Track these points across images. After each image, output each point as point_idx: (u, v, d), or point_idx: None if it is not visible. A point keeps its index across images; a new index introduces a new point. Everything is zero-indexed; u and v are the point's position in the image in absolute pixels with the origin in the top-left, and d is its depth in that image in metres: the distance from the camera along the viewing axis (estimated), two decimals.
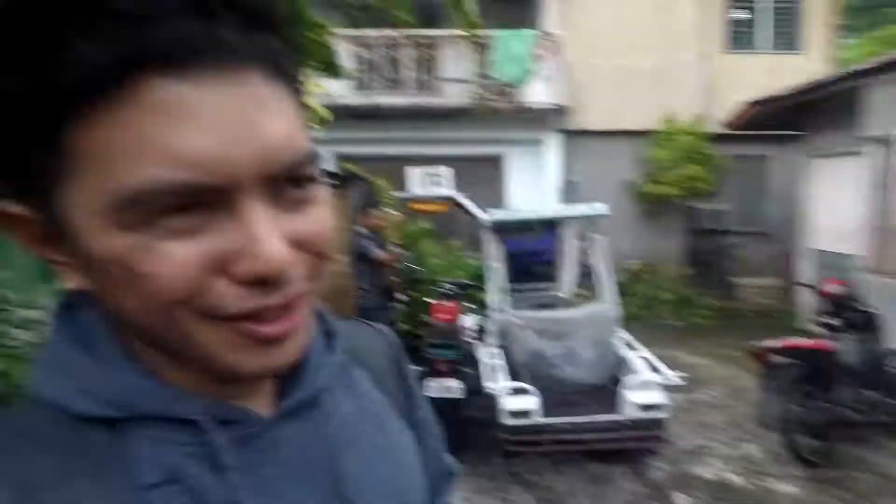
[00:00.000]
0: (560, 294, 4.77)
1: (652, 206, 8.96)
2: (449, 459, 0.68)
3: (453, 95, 8.61)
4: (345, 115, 8.50)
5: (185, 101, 0.30)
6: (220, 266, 0.33)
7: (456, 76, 8.64)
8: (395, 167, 7.93)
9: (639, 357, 3.81)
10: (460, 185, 8.64)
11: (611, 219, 8.74)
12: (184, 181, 0.31)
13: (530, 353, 3.85)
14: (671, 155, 8.48)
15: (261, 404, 0.44)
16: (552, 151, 9.19)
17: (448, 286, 4.68)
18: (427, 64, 8.68)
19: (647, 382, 3.44)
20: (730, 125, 8.22)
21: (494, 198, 8.91)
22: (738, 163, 9.02)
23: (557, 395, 3.66)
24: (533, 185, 9.01)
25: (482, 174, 9.12)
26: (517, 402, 3.35)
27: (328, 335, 0.50)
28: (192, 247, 0.32)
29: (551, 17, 9.22)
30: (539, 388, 3.44)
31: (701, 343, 6.87)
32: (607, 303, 4.20)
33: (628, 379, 3.52)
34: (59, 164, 0.31)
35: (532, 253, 4.79)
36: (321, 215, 0.37)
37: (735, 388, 5.14)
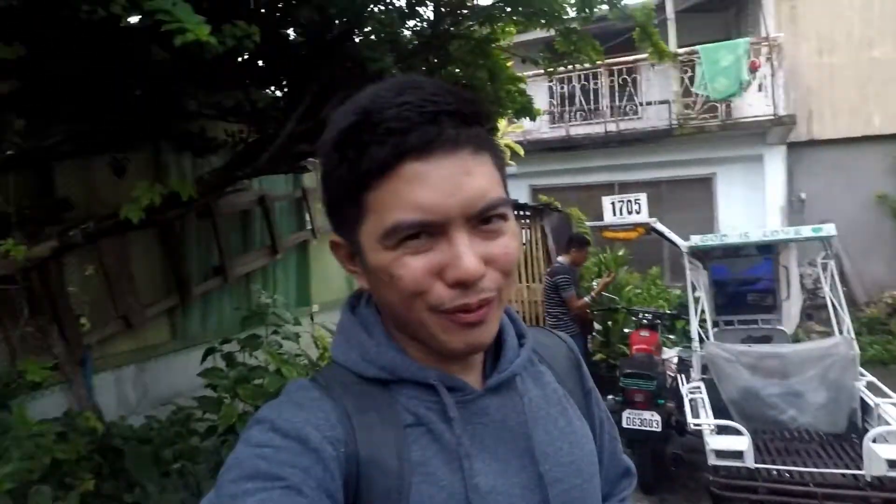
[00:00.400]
0: (780, 327, 4.22)
1: None
2: (627, 460, 0.79)
3: (652, 118, 8.31)
4: (541, 149, 8.96)
5: (423, 172, 0.50)
6: (438, 273, 0.51)
7: (658, 98, 8.35)
8: (593, 195, 8.01)
9: (889, 404, 3.19)
10: (667, 209, 8.27)
11: (859, 240, 7.44)
12: (419, 220, 0.50)
13: (741, 390, 3.52)
14: None
15: (473, 380, 0.62)
16: (773, 167, 8.14)
17: (646, 316, 4.53)
18: (624, 89, 8.57)
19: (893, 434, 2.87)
20: None
21: (706, 221, 8.26)
22: None
23: (777, 439, 3.26)
24: (751, 206, 8.08)
25: (691, 197, 8.54)
26: (725, 441, 3.10)
27: (520, 336, 0.67)
28: (422, 260, 0.51)
29: (770, 19, 8.31)
30: (752, 430, 3.14)
31: None
32: (842, 338, 3.60)
33: (877, 430, 2.97)
34: (359, 213, 0.53)
35: (743, 281, 4.36)
36: (507, 243, 0.54)
37: None
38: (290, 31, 2.30)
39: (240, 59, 1.80)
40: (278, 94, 2.68)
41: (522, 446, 0.60)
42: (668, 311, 4.78)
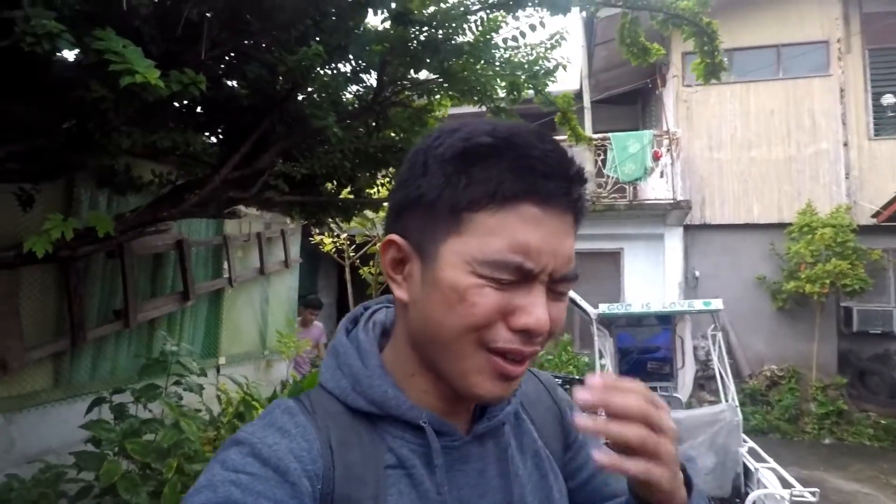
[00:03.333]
0: (676, 395, 4.55)
1: (792, 304, 8.16)
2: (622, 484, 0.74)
3: None
4: None
5: (541, 220, 0.51)
6: (506, 315, 0.51)
7: None
8: None
9: (767, 469, 3.50)
10: (580, 279, 8.75)
11: (742, 317, 8.25)
12: (520, 263, 0.50)
13: None
14: (811, 249, 7.82)
15: (461, 424, 0.60)
16: (672, 246, 8.99)
17: (557, 380, 4.70)
18: None
19: (776, 498, 3.15)
20: (880, 217, 7.51)
21: (614, 292, 8.84)
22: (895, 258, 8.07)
23: None
24: (653, 280, 8.80)
25: (601, 269, 9.13)
26: None
27: None
28: (500, 297, 0.50)
29: (670, 116, 9.42)
30: None
31: (861, 466, 5.93)
32: (727, 405, 3.95)
33: (756, 493, 3.24)
34: (453, 227, 0.52)
35: (645, 350, 4.70)
36: (563, 308, 0.56)
37: None
38: (235, 83, 2.34)
39: (181, 104, 1.80)
40: (213, 139, 2.66)
41: (499, 499, 0.59)
42: (577, 377, 4.99)
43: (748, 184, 8.91)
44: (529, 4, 2.19)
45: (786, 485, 3.28)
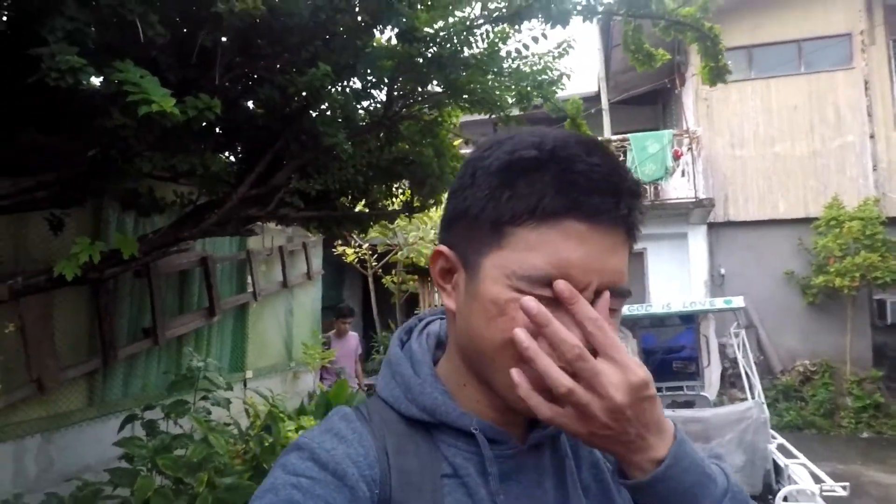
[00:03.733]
0: (703, 393, 4.48)
1: (823, 298, 7.99)
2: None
3: None
4: None
5: (585, 237, 0.49)
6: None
7: None
8: None
9: (797, 465, 3.42)
10: None
11: (772, 314, 8.07)
12: (553, 274, 0.48)
13: None
14: (839, 243, 7.64)
15: (518, 432, 0.59)
16: (696, 245, 8.86)
17: None
18: None
19: (807, 493, 3.07)
20: None
21: (638, 293, 8.73)
22: None
23: None
24: (678, 280, 8.69)
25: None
26: None
27: None
28: None
29: (690, 115, 9.33)
30: None
31: None
32: (754, 402, 3.87)
33: (787, 489, 3.17)
34: (496, 241, 0.51)
35: (669, 350, 4.65)
36: (612, 326, 0.52)
37: None
38: (250, 103, 2.42)
39: (199, 127, 1.87)
40: (232, 158, 2.75)
41: None
42: None
43: (772, 180, 8.76)
44: (531, 17, 2.22)
45: (817, 480, 3.20)
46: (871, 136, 8.42)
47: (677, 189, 8.79)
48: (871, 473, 5.23)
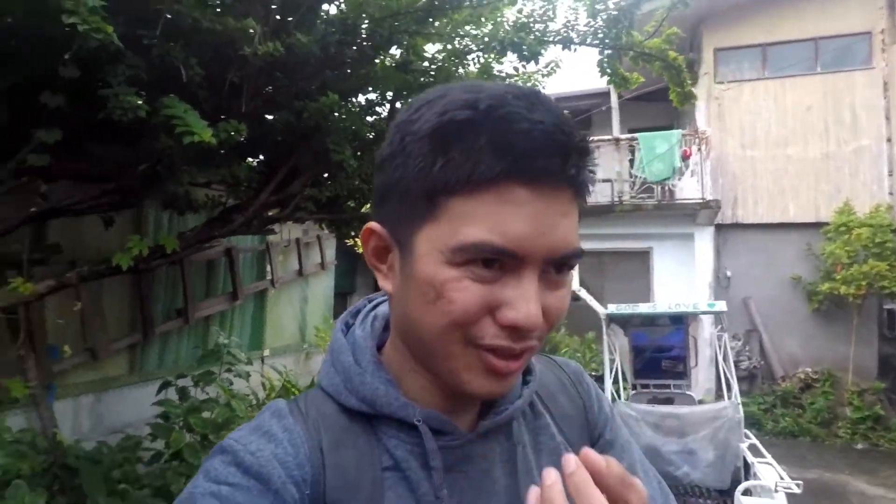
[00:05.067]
0: (689, 392, 4.75)
1: (828, 306, 7.97)
2: (665, 488, 0.66)
3: (598, 194, 9.11)
4: None
5: (527, 200, 0.44)
6: (492, 310, 0.46)
7: (602, 177, 9.17)
8: None
9: (763, 463, 3.70)
10: (609, 278, 8.90)
11: (776, 318, 8.15)
12: (502, 246, 0.44)
13: (644, 447, 3.97)
14: (847, 250, 7.63)
15: (467, 420, 0.55)
16: (703, 246, 8.98)
17: None
18: None
19: (764, 488, 3.36)
20: None
21: (643, 292, 8.94)
22: None
23: (674, 494, 3.69)
24: (683, 280, 8.83)
25: (630, 269, 9.25)
26: None
27: (525, 371, 0.59)
28: (483, 290, 0.45)
29: (701, 114, 9.41)
30: None
31: (891, 472, 5.80)
32: (730, 403, 4.15)
33: (746, 483, 3.46)
34: (430, 213, 0.46)
35: (659, 348, 4.88)
36: (565, 295, 0.49)
37: None
38: (269, 116, 2.81)
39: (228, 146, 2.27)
40: (255, 163, 3.15)
41: (506, 501, 0.54)
42: (595, 374, 5.25)
43: (784, 182, 8.72)
44: (505, 54, 2.54)
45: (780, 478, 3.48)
46: (888, 140, 8.31)
47: (685, 189, 8.86)
48: (857, 484, 5.27)
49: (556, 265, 0.47)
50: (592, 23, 2.73)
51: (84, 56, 1.69)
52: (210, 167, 2.35)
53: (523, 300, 0.45)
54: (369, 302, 0.64)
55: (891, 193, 8.18)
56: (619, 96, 9.86)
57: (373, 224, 0.52)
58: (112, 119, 1.83)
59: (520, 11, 2.74)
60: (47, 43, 1.75)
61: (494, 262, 0.45)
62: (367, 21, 2.33)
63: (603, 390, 4.39)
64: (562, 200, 0.46)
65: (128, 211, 3.21)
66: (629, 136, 9.09)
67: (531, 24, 2.57)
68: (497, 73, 2.91)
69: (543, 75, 3.12)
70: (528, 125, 0.44)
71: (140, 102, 1.83)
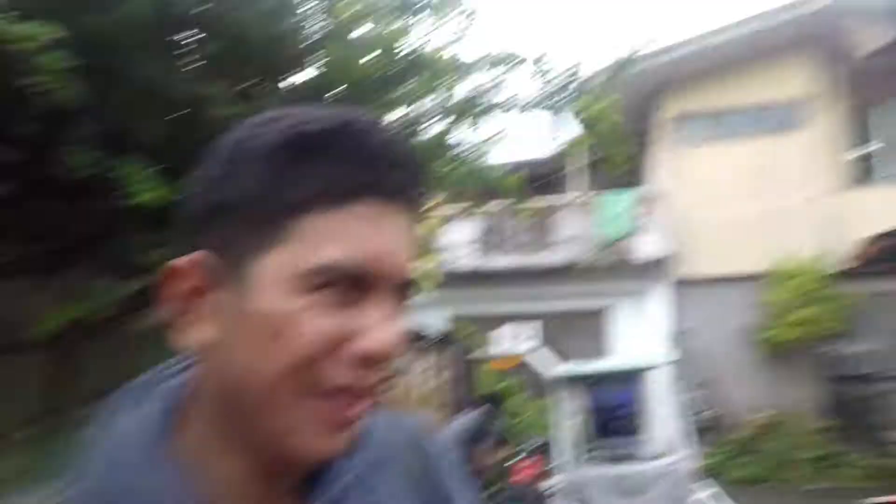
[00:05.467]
0: (648, 447, 4.73)
1: (775, 352, 8.27)
2: None
3: (561, 253, 9.22)
4: (461, 278, 8.89)
5: (380, 216, 0.42)
6: (339, 344, 0.40)
7: (567, 236, 9.36)
8: (502, 324, 8.50)
9: None
10: (565, 338, 8.91)
11: (729, 368, 8.30)
12: (361, 264, 0.41)
13: None
14: (787, 297, 8.01)
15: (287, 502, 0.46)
16: (658, 301, 9.19)
17: (530, 444, 4.81)
18: (539, 227, 9.40)
19: None
20: (857, 262, 7.74)
21: (598, 350, 8.92)
22: (876, 301, 8.19)
23: None
24: (639, 336, 8.88)
25: (586, 327, 9.32)
26: None
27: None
28: (335, 320, 0.40)
29: (660, 174, 9.78)
30: None
31: None
32: (678, 456, 4.15)
33: None
34: (275, 236, 0.41)
35: (615, 406, 4.88)
36: (402, 328, 0.44)
37: None
38: None
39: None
40: None
41: None
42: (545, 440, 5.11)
43: (735, 237, 8.96)
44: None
45: None
46: (819, 196, 8.87)
47: (642, 246, 9.12)
48: None
49: (401, 291, 0.44)
50: (543, 89, 2.99)
51: (42, 114, 1.71)
52: (163, 228, 2.33)
53: (381, 324, 0.41)
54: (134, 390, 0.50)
55: (827, 243, 8.46)
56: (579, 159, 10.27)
57: (188, 260, 0.43)
58: (59, 175, 1.83)
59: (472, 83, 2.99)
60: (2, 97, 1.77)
61: (350, 285, 0.41)
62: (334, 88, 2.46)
63: (558, 455, 4.29)
64: (407, 220, 0.45)
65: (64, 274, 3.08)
66: (586, 196, 9.44)
67: (480, 96, 2.78)
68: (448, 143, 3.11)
69: (490, 145, 3.33)
70: (381, 141, 0.44)
71: (97, 160, 1.84)
